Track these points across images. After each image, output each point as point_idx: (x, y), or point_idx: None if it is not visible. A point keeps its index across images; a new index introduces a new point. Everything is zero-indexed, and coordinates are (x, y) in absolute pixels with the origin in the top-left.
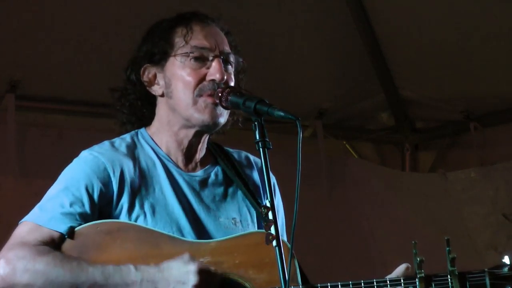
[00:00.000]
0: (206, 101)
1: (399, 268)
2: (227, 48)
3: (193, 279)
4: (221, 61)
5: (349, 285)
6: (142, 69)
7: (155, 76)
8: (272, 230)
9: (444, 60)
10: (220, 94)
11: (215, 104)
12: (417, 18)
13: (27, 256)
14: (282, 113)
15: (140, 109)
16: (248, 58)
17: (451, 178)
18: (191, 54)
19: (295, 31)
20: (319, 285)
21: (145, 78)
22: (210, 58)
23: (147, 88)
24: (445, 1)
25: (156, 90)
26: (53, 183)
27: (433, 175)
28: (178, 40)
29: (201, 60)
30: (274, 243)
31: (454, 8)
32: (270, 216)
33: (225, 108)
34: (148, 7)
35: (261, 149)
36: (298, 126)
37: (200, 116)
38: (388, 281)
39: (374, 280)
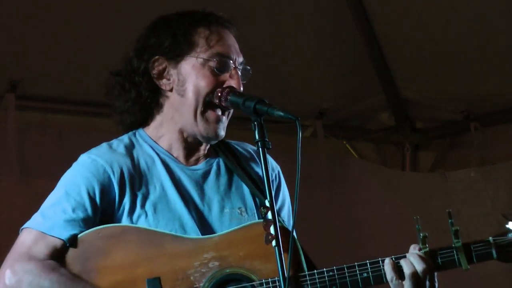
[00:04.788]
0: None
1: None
2: (242, 58)
3: None
4: (239, 72)
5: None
6: (153, 59)
7: (165, 69)
8: (272, 230)
9: (444, 60)
10: (219, 94)
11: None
12: (417, 18)
13: (33, 271)
14: (281, 113)
15: (145, 100)
16: (248, 58)
17: (451, 178)
18: (215, 60)
19: (295, 31)
20: (307, 273)
21: (155, 69)
22: (231, 67)
23: (154, 80)
24: (445, 1)
25: (165, 84)
26: (53, 183)
27: (433, 175)
28: (200, 42)
29: (222, 70)
30: (274, 243)
31: (454, 8)
32: (270, 216)
33: (225, 108)
34: (149, 7)
35: (260, 149)
36: (298, 126)
37: (205, 127)
38: (393, 259)
39: (380, 259)
